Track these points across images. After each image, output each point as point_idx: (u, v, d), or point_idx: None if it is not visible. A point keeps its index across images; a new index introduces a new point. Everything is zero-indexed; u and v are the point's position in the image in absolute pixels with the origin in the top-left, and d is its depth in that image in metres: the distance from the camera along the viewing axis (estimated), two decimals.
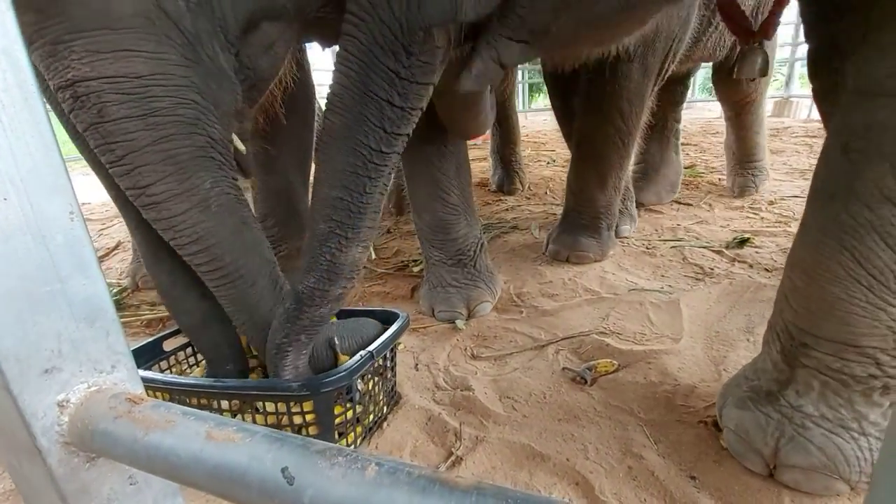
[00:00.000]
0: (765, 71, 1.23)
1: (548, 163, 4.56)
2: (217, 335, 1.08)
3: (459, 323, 1.70)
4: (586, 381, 1.31)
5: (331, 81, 0.90)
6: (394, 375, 1.28)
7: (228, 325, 1.04)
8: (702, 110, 7.97)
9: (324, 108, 0.93)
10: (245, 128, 1.10)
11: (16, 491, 1.07)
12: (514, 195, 3.51)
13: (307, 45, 1.73)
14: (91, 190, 3.32)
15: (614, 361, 1.38)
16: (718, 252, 2.19)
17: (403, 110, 0.88)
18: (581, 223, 2.17)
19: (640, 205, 3.10)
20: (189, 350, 1.30)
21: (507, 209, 3.19)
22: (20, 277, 0.48)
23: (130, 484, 0.61)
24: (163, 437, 0.48)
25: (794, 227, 1.83)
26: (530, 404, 1.26)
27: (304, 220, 2.17)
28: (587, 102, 1.98)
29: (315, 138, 2.14)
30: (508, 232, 2.73)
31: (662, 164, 3.06)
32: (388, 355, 1.18)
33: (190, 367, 1.30)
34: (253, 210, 1.06)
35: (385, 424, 1.20)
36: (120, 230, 3.26)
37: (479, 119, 1.55)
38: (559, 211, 3.02)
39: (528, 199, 3.40)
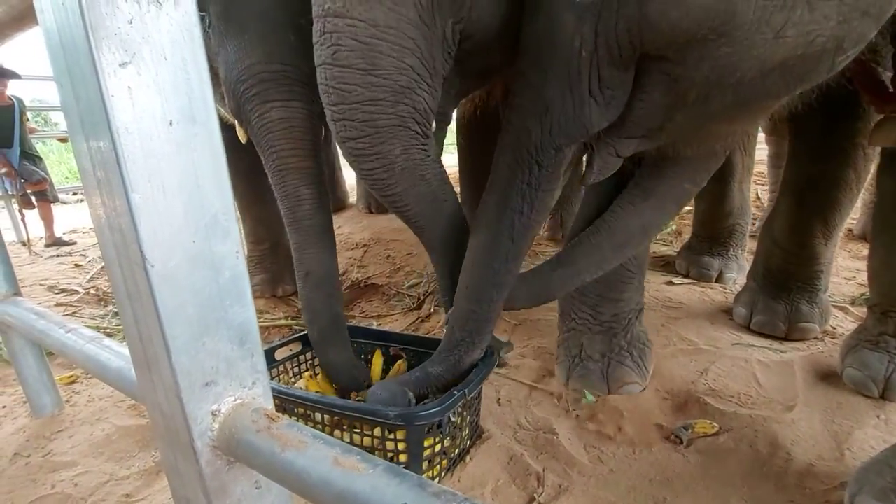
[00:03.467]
0: None
1: None
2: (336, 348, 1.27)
3: (589, 396, 1.41)
4: (682, 442, 1.23)
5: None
6: (478, 409, 1.30)
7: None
8: None
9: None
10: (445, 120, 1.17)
11: (147, 472, 1.24)
12: None
13: None
14: None
15: (714, 423, 1.28)
16: (842, 309, 1.95)
17: (530, 219, 1.00)
18: (795, 286, 1.77)
19: None
20: (294, 361, 1.43)
21: None
22: (198, 306, 0.58)
23: (256, 488, 0.69)
24: (296, 457, 0.54)
25: None
26: (618, 457, 1.21)
27: None
28: (824, 141, 1.67)
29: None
30: None
31: None
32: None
33: (294, 376, 1.43)
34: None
35: (468, 458, 1.22)
36: None
37: None
38: (651, 248, 2.88)
39: None
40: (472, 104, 1.95)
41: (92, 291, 2.75)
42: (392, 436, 1.03)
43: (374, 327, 2.06)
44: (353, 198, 4.41)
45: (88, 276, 3.05)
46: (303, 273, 1.23)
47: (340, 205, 4.14)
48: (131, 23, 0.51)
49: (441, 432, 1.07)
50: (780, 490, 1.07)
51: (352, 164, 0.97)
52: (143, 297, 0.55)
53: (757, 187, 3.89)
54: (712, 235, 2.38)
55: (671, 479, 1.12)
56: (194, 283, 0.58)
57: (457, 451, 1.19)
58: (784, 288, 1.79)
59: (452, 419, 1.08)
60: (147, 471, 1.24)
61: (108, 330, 2.18)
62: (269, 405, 0.68)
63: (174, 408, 0.60)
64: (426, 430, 1.03)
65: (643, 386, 1.46)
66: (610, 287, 1.44)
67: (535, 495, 1.09)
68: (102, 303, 2.60)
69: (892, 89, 1.12)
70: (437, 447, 1.08)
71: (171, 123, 0.54)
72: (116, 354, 0.92)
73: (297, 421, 1.14)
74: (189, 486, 0.66)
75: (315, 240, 1.21)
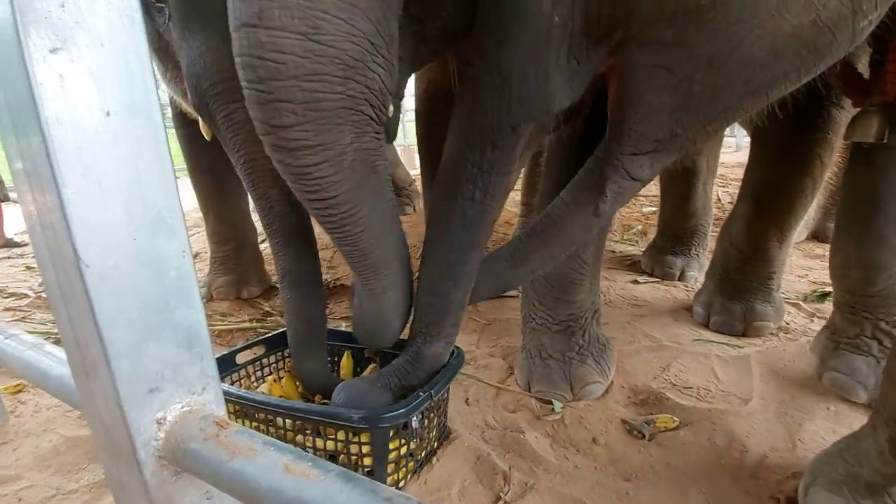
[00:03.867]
0: (881, 135, 1.10)
1: None
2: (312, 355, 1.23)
3: (557, 405, 1.40)
4: (644, 436, 1.25)
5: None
6: (445, 410, 1.29)
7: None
8: None
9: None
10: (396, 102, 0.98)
11: (96, 486, 1.18)
12: None
13: None
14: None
15: (675, 418, 1.31)
16: (795, 305, 2.04)
17: (484, 206, 0.94)
18: (750, 286, 1.82)
19: None
20: (257, 364, 1.39)
21: None
22: (140, 308, 0.55)
23: (207, 499, 0.66)
24: (245, 465, 0.52)
25: None
26: (583, 454, 1.22)
27: None
28: (784, 149, 1.67)
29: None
30: None
31: None
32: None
33: (257, 380, 1.38)
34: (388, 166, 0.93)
35: (435, 459, 1.21)
36: (199, 240, 3.49)
37: None
38: (617, 248, 2.94)
39: None
40: (429, 82, 1.87)
41: (43, 295, 2.61)
42: (357, 439, 1.01)
43: (343, 329, 2.02)
44: None
45: (40, 280, 2.90)
46: (280, 274, 1.20)
47: None
48: (63, 6, 0.47)
49: (407, 434, 1.05)
50: (736, 481, 1.10)
51: (282, 160, 0.74)
52: (78, 298, 0.52)
53: (718, 189, 4.04)
54: (676, 235, 2.45)
55: (634, 474, 1.14)
56: (136, 284, 0.55)
57: (424, 453, 1.17)
58: (740, 288, 1.84)
59: (415, 426, 1.06)
60: (96, 484, 1.18)
61: (60, 336, 2.07)
62: (221, 411, 0.65)
63: (115, 417, 0.56)
64: (391, 432, 1.01)
65: (605, 385, 1.48)
66: (565, 290, 1.47)
67: (501, 494, 1.09)
68: None
69: (869, 80, 1.12)
70: (403, 449, 1.06)
71: (108, 114, 0.51)
72: (59, 361, 0.87)
73: (259, 427, 1.11)
74: (133, 499, 0.62)
75: (289, 240, 1.18)
